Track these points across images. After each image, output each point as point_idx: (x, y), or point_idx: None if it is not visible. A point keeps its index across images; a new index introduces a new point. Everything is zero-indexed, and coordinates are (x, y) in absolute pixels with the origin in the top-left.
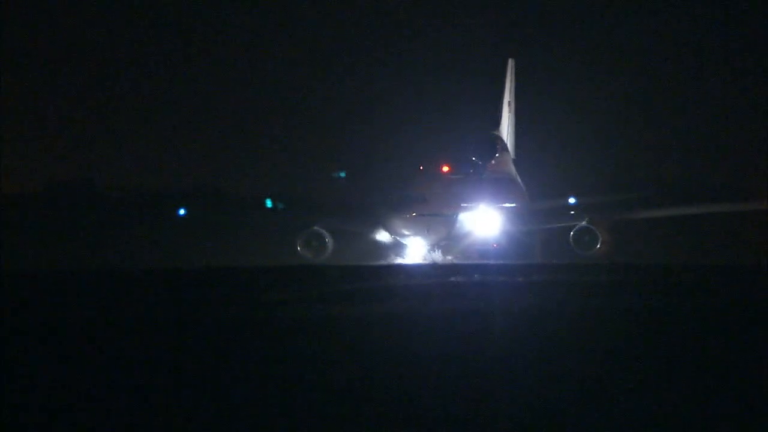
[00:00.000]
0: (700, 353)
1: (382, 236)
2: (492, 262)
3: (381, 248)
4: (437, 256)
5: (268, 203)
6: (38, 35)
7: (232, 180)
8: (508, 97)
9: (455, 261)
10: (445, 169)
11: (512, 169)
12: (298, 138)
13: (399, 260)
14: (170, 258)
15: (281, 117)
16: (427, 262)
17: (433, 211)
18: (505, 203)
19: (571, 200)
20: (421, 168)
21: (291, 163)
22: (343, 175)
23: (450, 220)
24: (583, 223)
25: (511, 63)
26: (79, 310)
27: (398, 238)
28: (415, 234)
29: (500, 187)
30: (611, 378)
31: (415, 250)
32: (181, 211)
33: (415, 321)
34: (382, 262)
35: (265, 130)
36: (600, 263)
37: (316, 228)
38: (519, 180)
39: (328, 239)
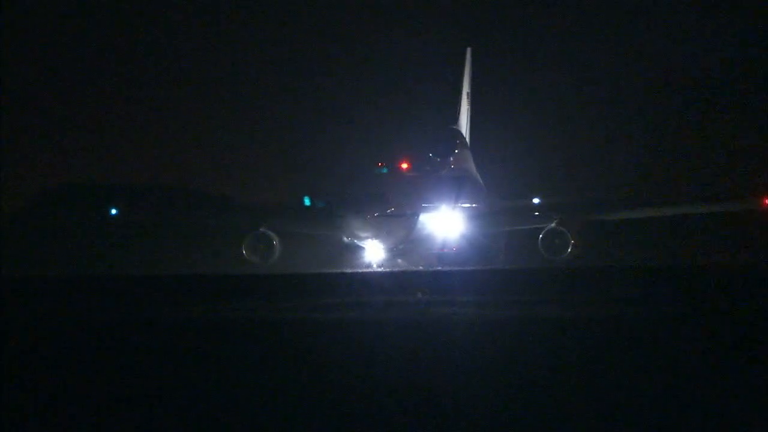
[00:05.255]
0: (680, 359)
1: (337, 238)
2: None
3: (334, 251)
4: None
5: (307, 201)
6: None
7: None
8: (466, 87)
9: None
10: (404, 166)
11: (472, 166)
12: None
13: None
14: (97, 262)
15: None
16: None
17: (394, 211)
18: (466, 203)
19: (535, 200)
20: (380, 165)
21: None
22: (385, 171)
23: (410, 222)
24: (553, 224)
25: (469, 52)
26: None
27: (355, 241)
28: (374, 236)
29: (460, 186)
30: (587, 388)
31: (373, 253)
32: (113, 211)
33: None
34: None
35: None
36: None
37: (262, 230)
38: (479, 178)
39: (276, 242)
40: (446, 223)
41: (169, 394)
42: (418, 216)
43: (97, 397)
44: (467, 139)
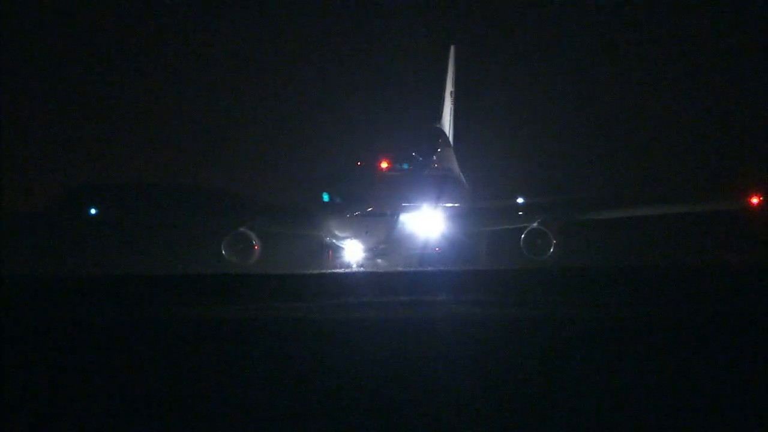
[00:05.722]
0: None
1: (317, 238)
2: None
3: (315, 251)
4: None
5: (325, 197)
6: None
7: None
8: (450, 86)
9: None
10: (384, 165)
11: (455, 165)
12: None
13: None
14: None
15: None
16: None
17: (374, 210)
18: (448, 203)
19: (519, 200)
20: (359, 164)
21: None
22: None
23: (390, 222)
24: (535, 224)
25: (453, 50)
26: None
27: (334, 241)
28: (353, 236)
29: (443, 186)
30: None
31: (352, 253)
32: (92, 211)
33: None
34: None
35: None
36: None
37: (242, 229)
38: (462, 177)
39: (256, 242)
40: (428, 223)
41: (169, 394)
42: (399, 216)
43: (97, 397)
44: (450, 138)
